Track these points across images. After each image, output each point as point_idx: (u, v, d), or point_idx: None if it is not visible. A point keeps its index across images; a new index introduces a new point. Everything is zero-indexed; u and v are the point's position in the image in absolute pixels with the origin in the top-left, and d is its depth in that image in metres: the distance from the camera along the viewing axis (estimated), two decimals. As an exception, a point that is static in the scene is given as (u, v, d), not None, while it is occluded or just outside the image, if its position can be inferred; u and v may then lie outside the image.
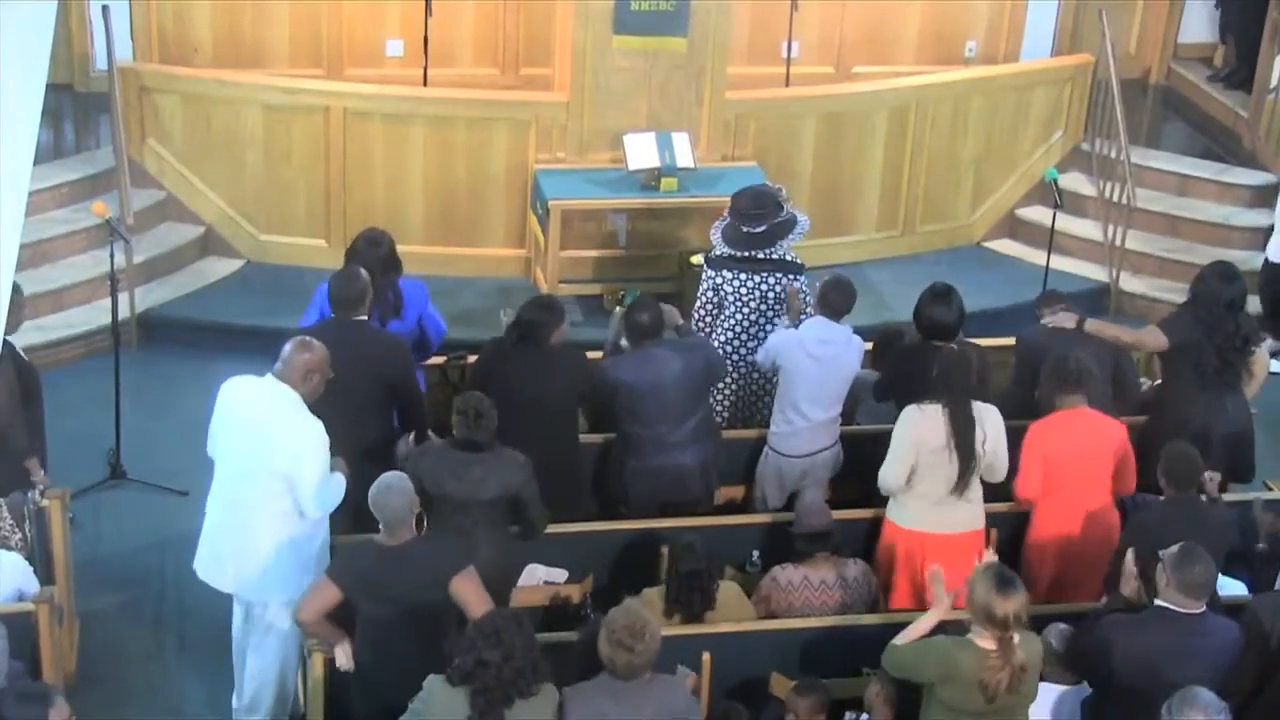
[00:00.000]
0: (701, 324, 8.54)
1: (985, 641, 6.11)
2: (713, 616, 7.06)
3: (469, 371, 8.10)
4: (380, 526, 6.60)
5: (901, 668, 6.35)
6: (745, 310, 8.49)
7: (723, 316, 8.53)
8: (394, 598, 6.51)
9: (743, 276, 8.47)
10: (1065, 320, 8.18)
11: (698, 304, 8.57)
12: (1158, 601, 6.32)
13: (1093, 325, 8.21)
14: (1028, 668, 6.14)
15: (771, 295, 8.46)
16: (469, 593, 6.53)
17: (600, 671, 6.02)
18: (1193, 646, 6.22)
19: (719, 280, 8.49)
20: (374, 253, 8.07)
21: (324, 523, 7.20)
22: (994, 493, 7.64)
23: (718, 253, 8.53)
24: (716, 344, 8.48)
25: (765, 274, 8.48)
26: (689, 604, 7.02)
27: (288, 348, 7.04)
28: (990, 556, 6.78)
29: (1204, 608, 6.27)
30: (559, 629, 7.02)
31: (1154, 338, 8.28)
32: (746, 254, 8.44)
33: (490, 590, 6.90)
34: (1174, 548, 6.30)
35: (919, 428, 7.30)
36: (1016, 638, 6.10)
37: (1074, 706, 6.63)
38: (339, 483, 7.11)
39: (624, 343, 8.06)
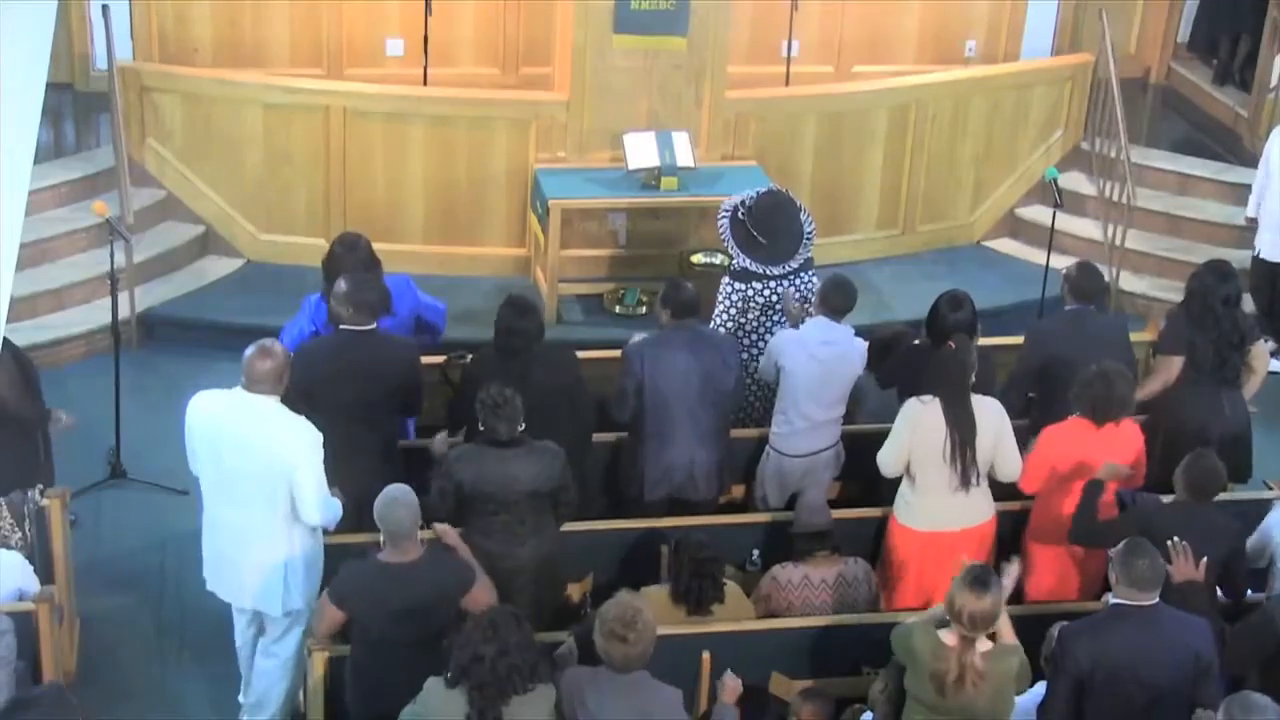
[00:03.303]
0: (725, 331, 8.52)
1: (950, 636, 6.16)
2: (718, 612, 7.06)
3: (460, 382, 8.07)
4: (382, 538, 6.58)
5: (894, 641, 6.40)
6: (771, 313, 8.51)
7: (745, 322, 8.52)
8: (399, 617, 6.49)
9: (772, 285, 8.48)
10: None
11: (723, 316, 8.51)
12: (1113, 600, 6.36)
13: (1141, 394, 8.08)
14: (985, 674, 6.14)
15: (792, 291, 8.48)
16: (486, 603, 6.56)
17: (591, 657, 6.06)
18: (1153, 640, 6.23)
19: (749, 292, 8.48)
20: (352, 257, 8.02)
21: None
22: (997, 491, 7.63)
23: (742, 266, 8.49)
24: (740, 346, 8.48)
25: (791, 278, 8.50)
26: (699, 594, 7.00)
27: (249, 358, 6.91)
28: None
29: (1157, 600, 6.28)
30: (559, 628, 7.01)
31: (1167, 371, 8.30)
32: (764, 270, 8.44)
33: (544, 582, 7.10)
34: (1120, 544, 6.34)
35: (919, 420, 7.33)
36: (984, 645, 6.14)
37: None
38: (337, 505, 7.09)
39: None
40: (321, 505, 6.96)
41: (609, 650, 5.91)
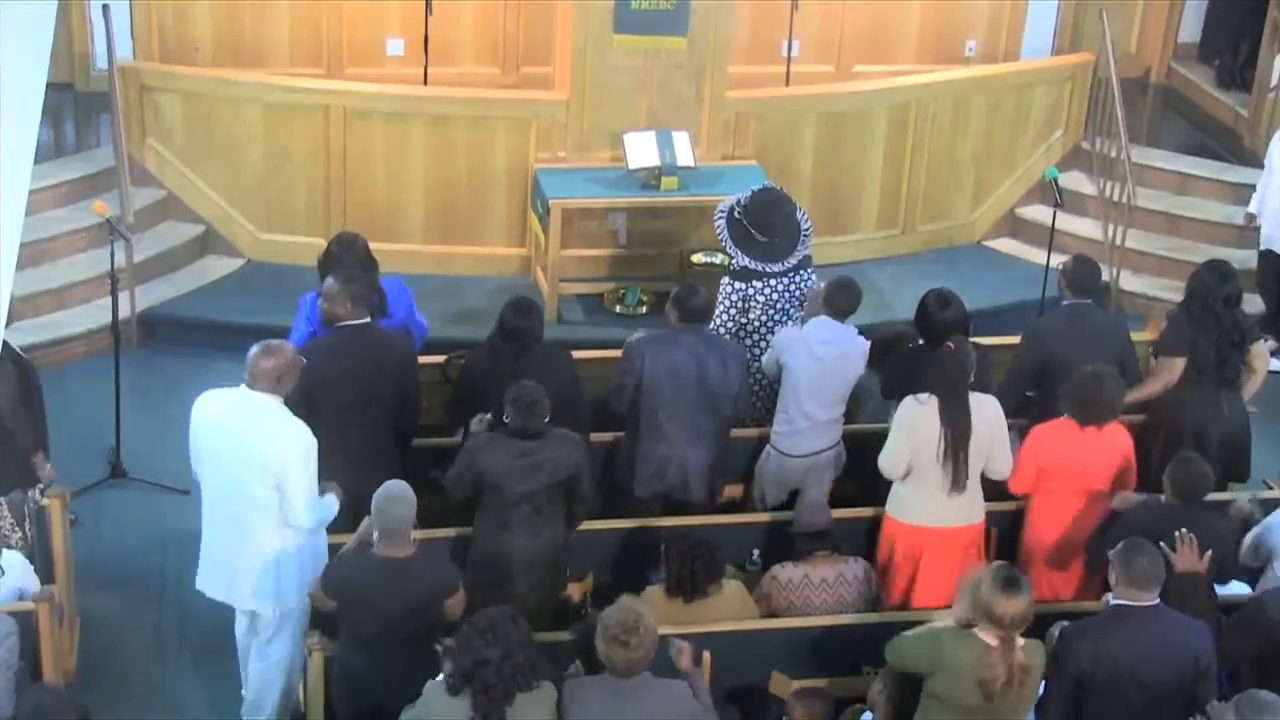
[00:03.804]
0: (726, 335, 8.47)
1: (988, 637, 6.13)
2: (716, 608, 7.06)
3: (458, 379, 8.09)
4: (375, 533, 6.59)
5: (899, 656, 6.37)
6: (772, 312, 8.49)
7: (747, 320, 8.51)
8: (388, 612, 6.50)
9: (772, 283, 8.47)
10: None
11: (723, 316, 8.49)
12: (1114, 600, 6.36)
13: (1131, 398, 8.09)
14: (1030, 669, 6.15)
15: (799, 294, 8.49)
16: (460, 611, 6.57)
17: (597, 669, 6.04)
18: (1154, 641, 6.25)
19: (750, 291, 8.46)
20: (349, 256, 8.01)
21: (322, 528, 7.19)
22: (994, 491, 7.64)
23: (742, 265, 8.48)
24: (743, 346, 8.47)
25: (791, 275, 8.49)
26: (692, 581, 7.00)
27: (253, 356, 6.93)
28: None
29: (1157, 600, 6.30)
30: (559, 628, 7.02)
31: (1169, 372, 8.28)
32: (763, 267, 8.43)
33: (557, 571, 7.16)
34: (1120, 544, 6.36)
35: (916, 419, 7.34)
36: (1020, 640, 6.12)
37: None
38: (332, 504, 7.10)
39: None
40: (309, 508, 6.95)
41: (611, 655, 5.90)
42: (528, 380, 7.13)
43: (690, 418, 7.83)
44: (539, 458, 7.04)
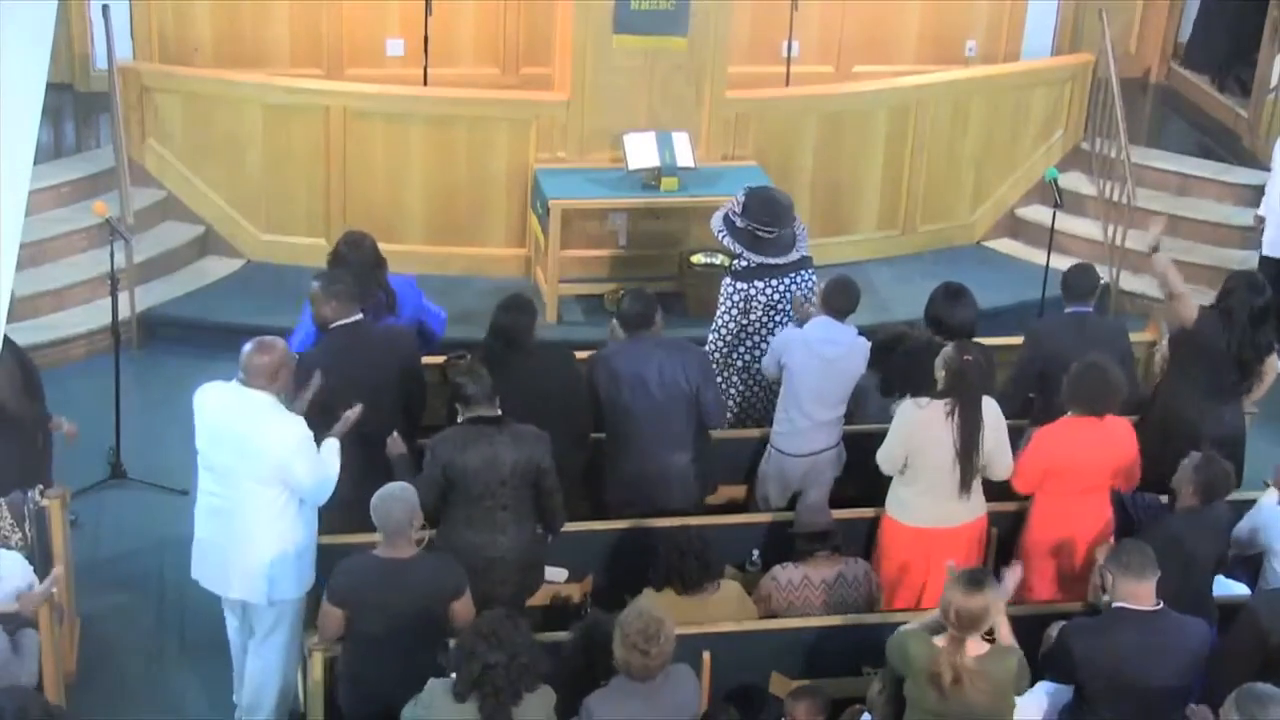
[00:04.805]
0: (729, 336, 8.49)
1: (941, 638, 6.16)
2: (713, 608, 7.05)
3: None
4: (379, 535, 6.59)
5: (886, 651, 6.39)
6: (773, 313, 8.48)
7: (748, 322, 8.50)
8: (393, 614, 6.50)
9: (774, 283, 8.46)
10: (1155, 233, 8.33)
11: (724, 319, 8.48)
12: (1115, 603, 6.37)
13: (1160, 261, 8.21)
14: (984, 675, 6.10)
15: (800, 294, 8.48)
16: (468, 616, 6.54)
17: (594, 671, 6.07)
18: (1155, 645, 6.26)
19: (751, 291, 8.45)
20: (358, 255, 8.04)
21: (314, 517, 7.17)
22: (993, 492, 7.64)
23: (746, 264, 8.47)
24: (744, 347, 8.49)
25: (793, 275, 8.49)
26: (681, 570, 6.98)
27: (246, 353, 6.94)
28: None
29: (1160, 604, 6.30)
30: (559, 629, 7.01)
31: (1188, 309, 8.21)
32: (777, 260, 8.43)
33: (525, 572, 7.11)
34: (1107, 552, 6.41)
35: (916, 421, 7.32)
36: (979, 648, 6.12)
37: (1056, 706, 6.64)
38: (332, 462, 7.06)
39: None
40: (317, 487, 6.97)
41: (629, 660, 5.91)
42: (480, 369, 7.09)
43: (654, 425, 7.77)
44: (499, 448, 6.96)
